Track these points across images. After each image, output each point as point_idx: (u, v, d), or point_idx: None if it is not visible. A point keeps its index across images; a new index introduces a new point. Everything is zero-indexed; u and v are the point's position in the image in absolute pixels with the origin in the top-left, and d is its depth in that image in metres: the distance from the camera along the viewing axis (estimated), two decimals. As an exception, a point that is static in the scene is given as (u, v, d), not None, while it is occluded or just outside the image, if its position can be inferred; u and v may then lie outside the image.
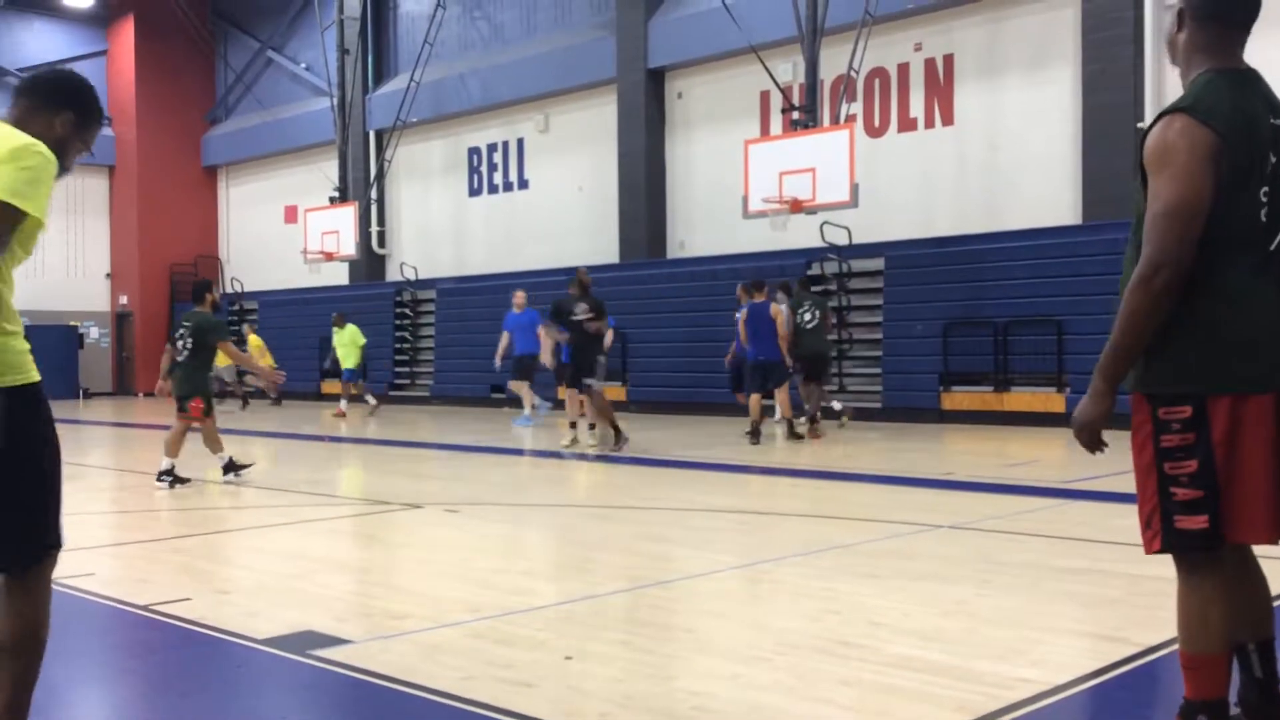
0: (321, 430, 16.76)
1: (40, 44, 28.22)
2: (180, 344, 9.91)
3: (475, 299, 21.69)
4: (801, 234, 16.80)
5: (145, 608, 5.14)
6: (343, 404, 19.14)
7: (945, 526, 7.11)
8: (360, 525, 8.05)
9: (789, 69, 17.60)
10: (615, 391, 19.53)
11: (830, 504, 8.63)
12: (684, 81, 20.06)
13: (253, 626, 4.71)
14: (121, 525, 8.46)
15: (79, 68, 24.24)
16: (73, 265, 28.65)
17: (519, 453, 12.95)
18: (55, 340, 27.35)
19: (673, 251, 20.12)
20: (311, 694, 4.04)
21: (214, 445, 9.99)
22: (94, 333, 28.58)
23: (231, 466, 9.98)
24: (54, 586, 5.56)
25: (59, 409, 12.38)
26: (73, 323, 27.87)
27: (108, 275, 29.12)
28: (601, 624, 4.88)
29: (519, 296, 17.09)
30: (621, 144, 20.33)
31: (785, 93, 16.99)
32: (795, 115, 16.16)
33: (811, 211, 15.60)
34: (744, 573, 5.95)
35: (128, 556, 6.90)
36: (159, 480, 9.63)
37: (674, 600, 5.39)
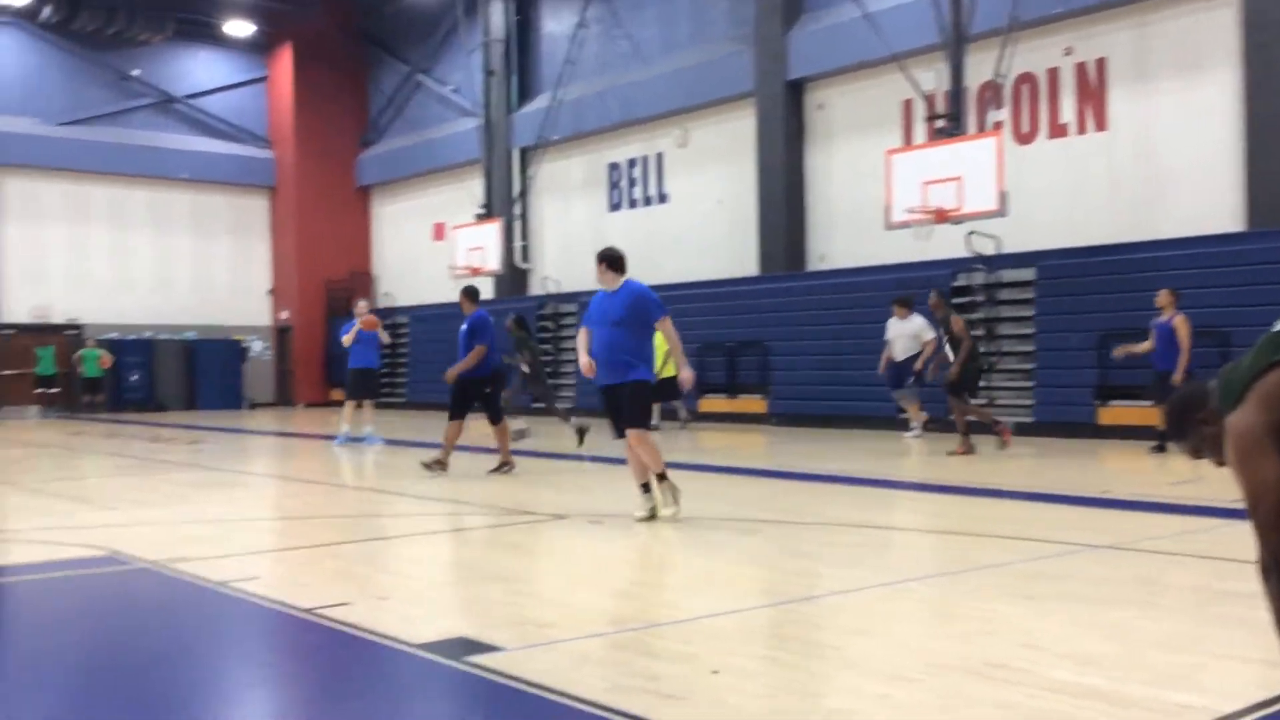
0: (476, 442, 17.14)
1: (205, 72, 29.75)
2: None
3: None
4: (946, 245, 16.48)
5: (308, 611, 5.36)
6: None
7: (1103, 546, 6.88)
8: (507, 535, 8.22)
9: (932, 77, 17.30)
10: (756, 404, 19.49)
11: (981, 521, 8.44)
12: (824, 92, 19.92)
13: (409, 632, 4.88)
14: (284, 531, 8.85)
15: (240, 95, 25.45)
16: (237, 282, 30.05)
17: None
18: (221, 353, 28.79)
19: (813, 264, 19.97)
20: (467, 700, 4.16)
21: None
22: (257, 346, 29.90)
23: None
24: (222, 589, 5.87)
25: (226, 419, 12.92)
26: (237, 337, 29.21)
27: (269, 291, 30.43)
28: (746, 639, 4.89)
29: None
30: (760, 157, 20.30)
31: (929, 101, 16.72)
32: (939, 123, 15.87)
33: (957, 221, 15.29)
34: (890, 590, 5.87)
35: (290, 561, 7.21)
36: None
37: (819, 616, 5.36)
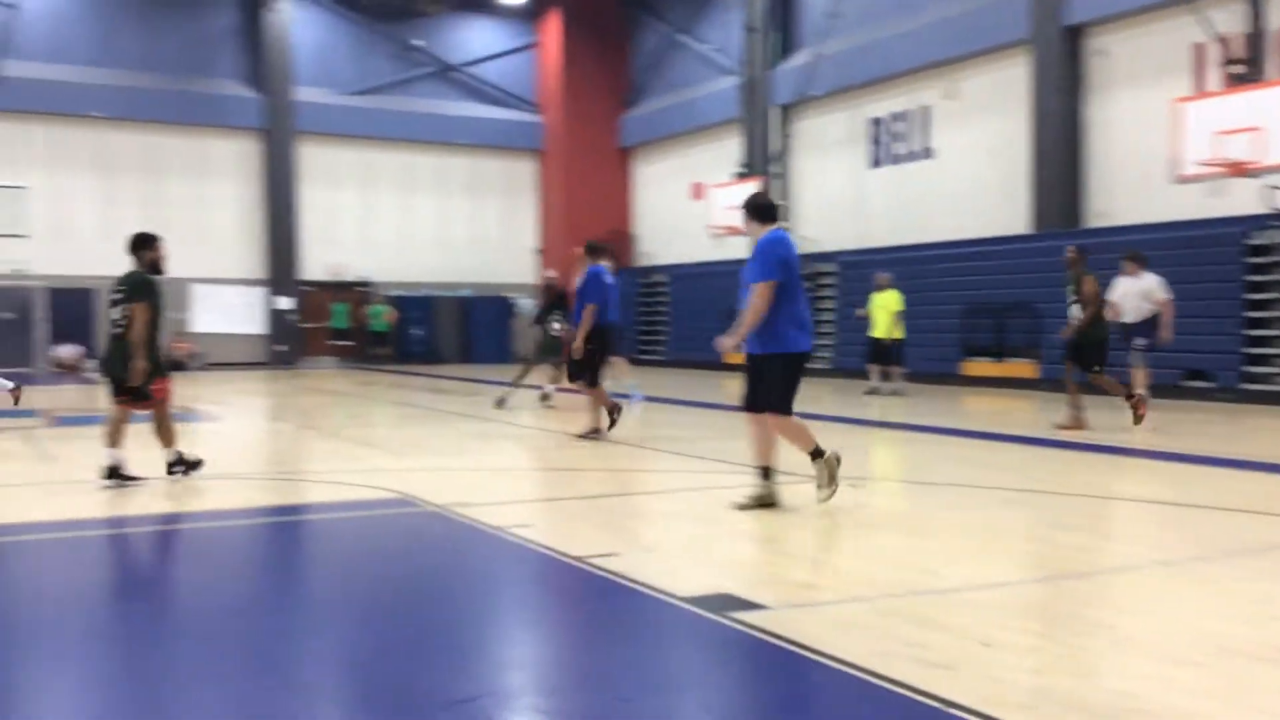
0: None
1: (480, 41, 31.14)
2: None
3: (877, 271, 21.55)
4: (1241, 201, 15.22)
5: (578, 558, 5.65)
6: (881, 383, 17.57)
7: None
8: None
9: (1227, 18, 15.94)
10: (1025, 369, 18.72)
11: (1267, 499, 7.85)
12: (1105, 38, 18.72)
13: (674, 584, 5.06)
14: (554, 482, 9.31)
15: (511, 61, 26.42)
16: (507, 242, 31.49)
17: (925, 429, 12.78)
18: (493, 311, 30.38)
19: (1091, 220, 18.91)
20: (730, 654, 4.30)
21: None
22: (525, 303, 31.30)
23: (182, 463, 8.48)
24: (501, 534, 6.24)
25: (499, 372, 13.38)
26: (506, 295, 30.65)
27: (536, 250, 31.72)
28: (1015, 612, 4.79)
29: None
30: (1035, 107, 19.33)
31: (1223, 44, 15.42)
32: (1235, 69, 14.64)
33: (1255, 175, 14.10)
34: (1169, 569, 5.58)
35: (560, 511, 7.59)
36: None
37: (1092, 593, 5.18)
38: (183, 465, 8.46)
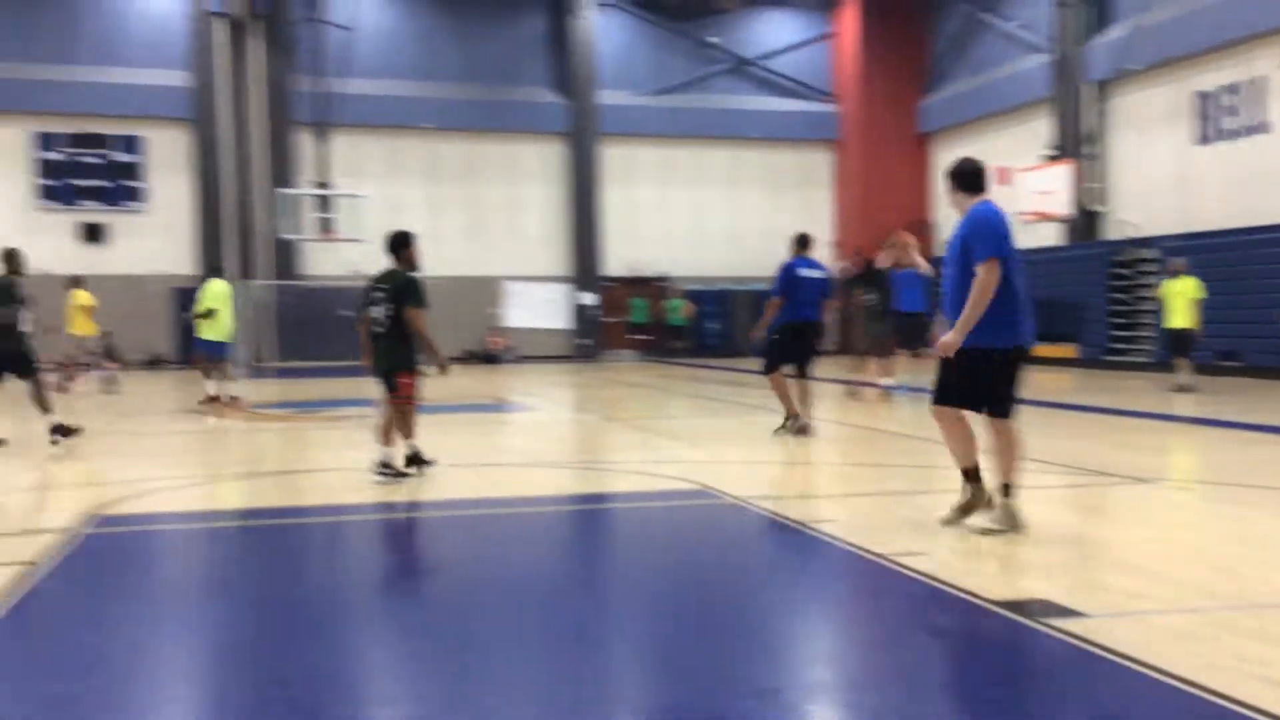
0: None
1: (773, 34, 31.20)
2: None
3: (1206, 257, 19.90)
4: None
5: (882, 556, 5.57)
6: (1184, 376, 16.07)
7: None
8: (1081, 496, 7.89)
9: None
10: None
11: None
12: None
13: (984, 588, 4.90)
14: (854, 477, 9.22)
15: (805, 53, 26.37)
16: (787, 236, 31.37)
17: (1257, 428, 11.70)
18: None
19: None
20: (1048, 662, 4.12)
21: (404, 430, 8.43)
22: (819, 296, 31.15)
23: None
24: (802, 528, 6.24)
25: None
26: (800, 287, 30.58)
27: (832, 243, 31.45)
28: (1375, 632, 4.32)
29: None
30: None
31: None
32: None
33: None
34: None
35: (863, 507, 7.50)
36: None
37: None
38: (418, 463, 8.37)
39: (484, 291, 28.71)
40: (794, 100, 31.29)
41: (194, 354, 16.09)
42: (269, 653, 4.30)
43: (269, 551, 6.39)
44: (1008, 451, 6.07)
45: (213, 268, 15.59)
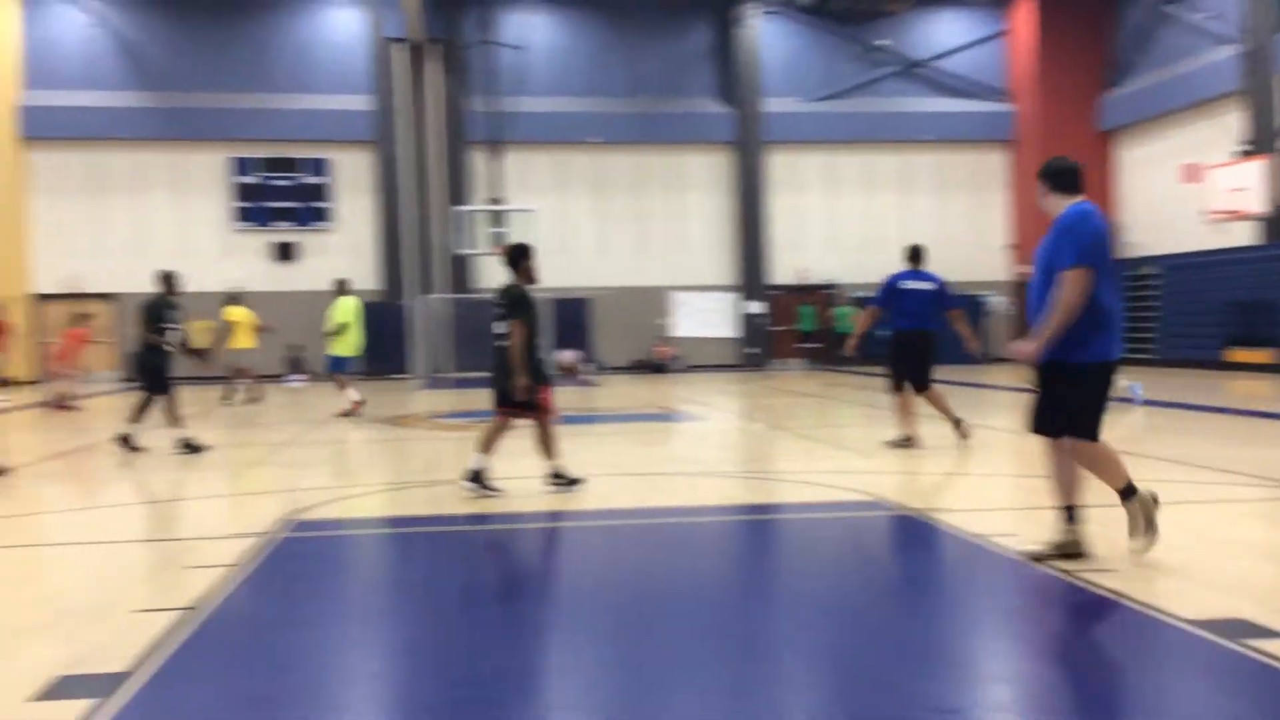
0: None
1: (944, 34, 30.48)
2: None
3: None
4: None
5: (1069, 573, 5.37)
6: None
7: None
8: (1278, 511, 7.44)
9: None
10: None
11: None
12: None
13: (1179, 606, 4.68)
14: (1033, 489, 8.89)
15: (978, 52, 25.69)
16: (975, 238, 30.55)
17: None
18: (962, 308, 29.50)
19: None
20: (1249, 685, 3.90)
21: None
22: (995, 301, 30.19)
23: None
24: (981, 543, 6.09)
25: (958, 372, 12.87)
26: (975, 293, 29.73)
27: (1007, 246, 30.50)
28: None
29: None
30: None
31: None
32: None
33: None
34: None
35: (1044, 521, 7.23)
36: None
37: None
38: (562, 480, 8.34)
39: (652, 302, 28.99)
40: (967, 100, 30.51)
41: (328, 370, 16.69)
42: (461, 653, 4.45)
43: (454, 556, 6.61)
44: (1110, 468, 5.64)
45: (341, 285, 16.16)
